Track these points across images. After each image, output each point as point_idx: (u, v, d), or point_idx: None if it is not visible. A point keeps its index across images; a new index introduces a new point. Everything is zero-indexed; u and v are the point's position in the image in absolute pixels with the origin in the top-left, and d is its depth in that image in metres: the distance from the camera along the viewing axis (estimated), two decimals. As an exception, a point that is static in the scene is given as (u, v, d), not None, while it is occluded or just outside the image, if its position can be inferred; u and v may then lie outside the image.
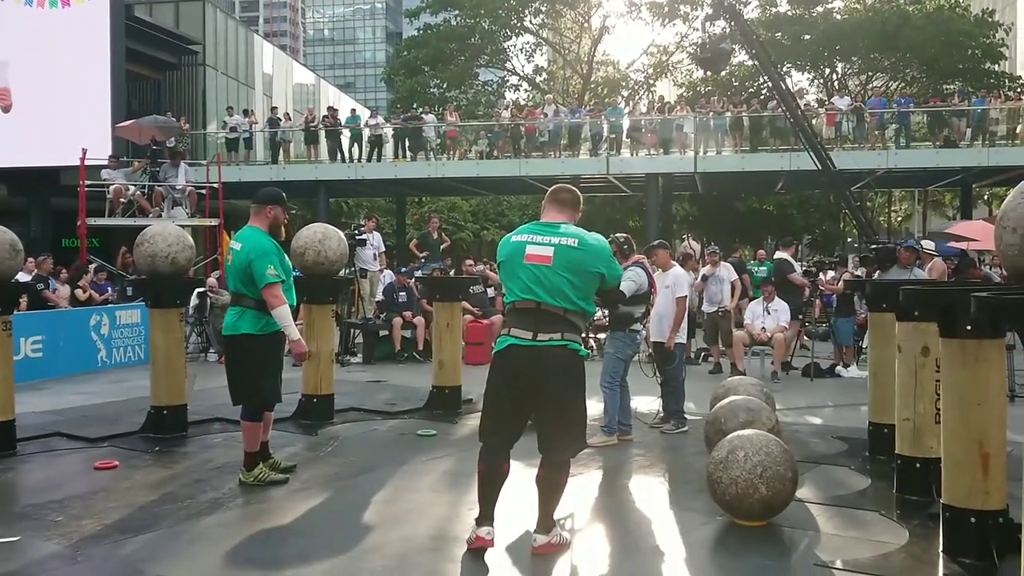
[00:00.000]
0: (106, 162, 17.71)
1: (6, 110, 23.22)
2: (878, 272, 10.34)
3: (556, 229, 4.44)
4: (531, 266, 4.37)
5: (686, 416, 7.86)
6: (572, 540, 4.68)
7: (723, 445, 5.14)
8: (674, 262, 8.51)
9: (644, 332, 7.72)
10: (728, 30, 13.77)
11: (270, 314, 5.68)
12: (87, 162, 17.12)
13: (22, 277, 10.36)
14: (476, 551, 4.45)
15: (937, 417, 4.90)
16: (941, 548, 4.44)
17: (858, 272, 16.11)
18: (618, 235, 7.83)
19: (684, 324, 8.00)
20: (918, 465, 5.33)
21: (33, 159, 22.96)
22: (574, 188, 4.76)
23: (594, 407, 8.12)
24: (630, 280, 7.28)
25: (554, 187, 4.75)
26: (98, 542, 4.72)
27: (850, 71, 35.68)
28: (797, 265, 13.16)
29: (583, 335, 4.44)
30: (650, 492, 5.94)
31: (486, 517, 4.47)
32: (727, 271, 12.52)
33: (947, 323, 4.42)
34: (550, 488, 4.46)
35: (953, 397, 4.38)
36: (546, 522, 4.50)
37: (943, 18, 31.88)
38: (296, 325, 5.90)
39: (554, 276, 4.32)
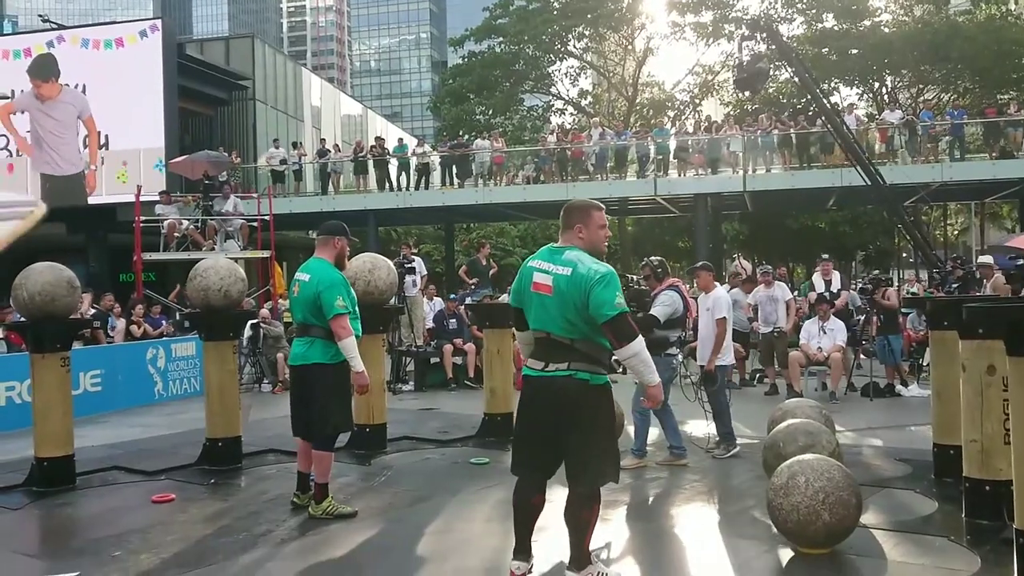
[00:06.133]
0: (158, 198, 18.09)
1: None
2: None
3: (559, 255, 4.25)
4: (536, 295, 4.25)
5: (736, 438, 7.69)
6: (613, 574, 4.44)
7: (783, 471, 5.02)
8: (716, 283, 8.30)
9: (680, 355, 7.60)
10: (767, 49, 13.59)
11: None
12: (142, 198, 17.49)
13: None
14: None
15: (1006, 438, 4.74)
16: (1016, 575, 4.28)
17: (913, 289, 15.75)
18: (651, 258, 7.70)
19: (727, 346, 7.87)
20: (987, 488, 5.15)
21: (90, 197, 23.70)
22: (575, 204, 4.43)
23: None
24: (663, 304, 7.20)
25: (563, 207, 4.47)
26: (156, 576, 4.74)
27: (900, 84, 35.13)
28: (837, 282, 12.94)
29: (599, 364, 4.19)
30: (707, 519, 5.82)
31: (519, 551, 4.37)
32: (782, 291, 12.35)
33: (1014, 340, 4.27)
34: (574, 524, 4.25)
35: (1022, 417, 4.22)
36: (578, 558, 4.27)
37: (995, 27, 31.31)
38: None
39: (555, 306, 4.18)
